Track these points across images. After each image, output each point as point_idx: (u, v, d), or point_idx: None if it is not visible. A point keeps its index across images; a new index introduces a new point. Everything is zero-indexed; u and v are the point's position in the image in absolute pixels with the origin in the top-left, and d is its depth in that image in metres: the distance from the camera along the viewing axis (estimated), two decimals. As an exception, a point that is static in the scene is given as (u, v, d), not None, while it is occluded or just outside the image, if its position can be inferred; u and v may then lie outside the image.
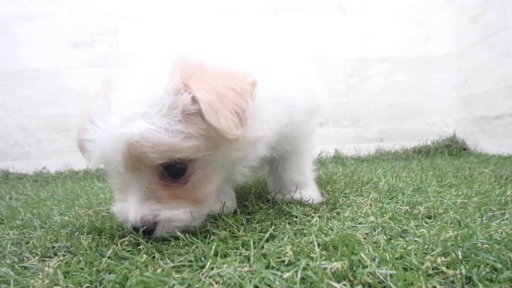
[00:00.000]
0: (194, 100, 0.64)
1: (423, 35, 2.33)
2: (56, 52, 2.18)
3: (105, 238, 0.71)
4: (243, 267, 0.51)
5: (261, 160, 0.85)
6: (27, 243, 0.73)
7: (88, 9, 2.20)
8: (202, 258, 0.57)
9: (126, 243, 0.66)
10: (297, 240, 0.60)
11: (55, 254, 0.66)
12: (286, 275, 0.48)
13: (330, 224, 0.72)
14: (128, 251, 0.63)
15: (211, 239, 0.65)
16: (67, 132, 2.18)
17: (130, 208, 0.67)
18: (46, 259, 0.63)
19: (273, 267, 0.52)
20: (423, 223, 0.71)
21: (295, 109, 0.88)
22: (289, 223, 0.74)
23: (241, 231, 0.69)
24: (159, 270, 0.52)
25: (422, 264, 0.49)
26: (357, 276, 0.47)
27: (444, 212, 0.78)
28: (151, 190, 0.66)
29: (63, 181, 1.92)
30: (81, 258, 0.60)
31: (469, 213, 0.77)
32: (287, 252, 0.55)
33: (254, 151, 0.79)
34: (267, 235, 0.65)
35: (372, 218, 0.74)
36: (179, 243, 0.64)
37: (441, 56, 2.33)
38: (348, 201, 0.94)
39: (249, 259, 0.55)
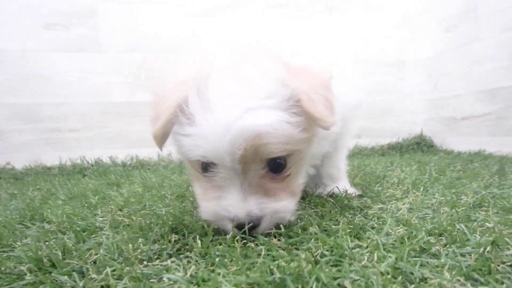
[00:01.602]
0: (294, 91, 0.63)
1: (400, 40, 2.49)
2: (25, 32, 1.95)
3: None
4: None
5: None
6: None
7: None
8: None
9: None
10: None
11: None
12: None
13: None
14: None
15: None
16: (36, 124, 1.96)
17: (233, 204, 0.63)
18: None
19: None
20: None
21: (345, 105, 0.90)
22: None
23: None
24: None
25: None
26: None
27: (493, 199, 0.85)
28: (257, 184, 0.65)
29: (34, 179, 1.74)
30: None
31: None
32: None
33: (322, 146, 0.81)
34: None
35: (446, 209, 0.79)
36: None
37: (415, 61, 2.50)
38: (389, 194, 0.99)
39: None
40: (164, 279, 0.49)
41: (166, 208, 0.90)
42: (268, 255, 0.56)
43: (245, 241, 0.62)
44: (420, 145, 2.36)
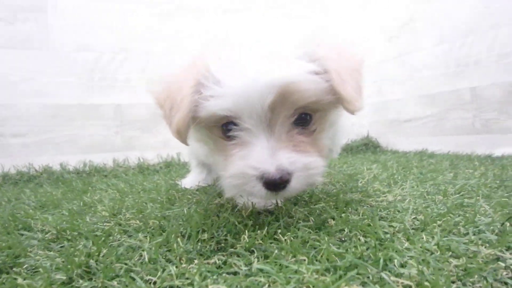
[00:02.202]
0: (324, 66, 0.65)
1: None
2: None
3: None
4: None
5: None
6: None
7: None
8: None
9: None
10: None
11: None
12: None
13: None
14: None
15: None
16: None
17: (261, 160, 0.59)
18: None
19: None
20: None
21: None
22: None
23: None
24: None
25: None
26: None
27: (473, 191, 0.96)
28: (285, 138, 0.63)
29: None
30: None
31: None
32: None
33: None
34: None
35: (439, 197, 0.87)
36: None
37: (360, 67, 2.68)
38: (374, 189, 1.06)
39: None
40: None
41: (170, 211, 0.87)
42: (310, 245, 0.58)
43: (288, 233, 0.62)
44: (368, 146, 2.54)
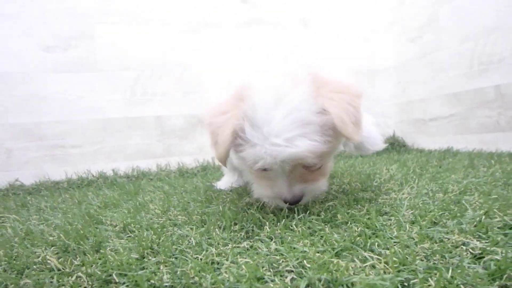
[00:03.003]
0: (327, 112, 0.82)
1: (370, 50, 2.76)
2: (25, 55, 2.02)
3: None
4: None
5: None
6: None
7: (61, 12, 2.10)
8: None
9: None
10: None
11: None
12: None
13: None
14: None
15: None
16: (41, 141, 2.03)
17: (283, 191, 0.89)
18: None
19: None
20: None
21: None
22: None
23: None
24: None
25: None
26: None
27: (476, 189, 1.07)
28: (298, 177, 0.89)
29: (51, 192, 1.81)
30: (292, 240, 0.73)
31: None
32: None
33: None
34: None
35: (440, 195, 0.99)
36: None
37: (384, 69, 2.77)
38: (387, 188, 1.19)
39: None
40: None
41: (209, 208, 1.05)
42: (321, 237, 0.73)
43: (301, 225, 0.79)
44: (394, 146, 2.62)
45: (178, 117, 2.30)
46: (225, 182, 1.52)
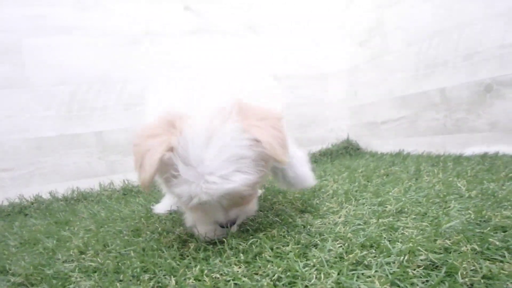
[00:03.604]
0: (256, 140, 0.82)
1: (320, 55, 2.72)
2: None
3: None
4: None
5: None
6: None
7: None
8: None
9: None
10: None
11: None
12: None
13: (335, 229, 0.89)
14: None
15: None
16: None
17: (219, 217, 0.90)
18: None
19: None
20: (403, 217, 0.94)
21: None
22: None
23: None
24: None
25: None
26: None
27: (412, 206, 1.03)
28: (231, 203, 0.89)
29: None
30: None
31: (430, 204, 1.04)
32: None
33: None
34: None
35: (373, 220, 0.94)
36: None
37: (335, 73, 2.75)
38: (326, 208, 1.14)
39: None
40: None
41: (129, 248, 0.96)
42: (236, 284, 0.66)
43: (212, 274, 0.71)
44: (348, 149, 2.61)
45: (120, 132, 2.16)
46: (164, 205, 1.43)
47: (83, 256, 0.95)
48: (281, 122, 0.89)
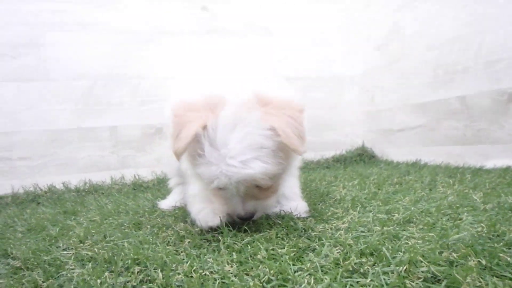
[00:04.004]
0: (274, 130, 0.85)
1: (336, 57, 2.68)
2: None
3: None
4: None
5: None
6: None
7: (9, 19, 1.99)
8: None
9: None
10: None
11: None
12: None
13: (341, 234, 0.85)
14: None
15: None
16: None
17: (238, 208, 0.93)
18: None
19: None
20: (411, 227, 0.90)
21: None
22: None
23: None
24: None
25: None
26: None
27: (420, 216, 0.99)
28: (251, 195, 0.93)
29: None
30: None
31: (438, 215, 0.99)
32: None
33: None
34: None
35: (378, 227, 0.90)
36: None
37: (351, 76, 2.70)
38: (330, 213, 1.10)
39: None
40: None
41: (126, 240, 0.95)
42: (223, 283, 0.64)
43: (201, 270, 0.69)
44: (363, 157, 2.55)
45: (134, 128, 2.19)
46: (169, 201, 1.44)
47: (81, 245, 0.95)
48: (301, 114, 0.91)
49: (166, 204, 1.43)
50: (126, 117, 2.17)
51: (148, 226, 1.09)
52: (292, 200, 1.15)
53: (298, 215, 1.08)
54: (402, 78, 2.34)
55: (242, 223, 0.95)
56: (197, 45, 2.31)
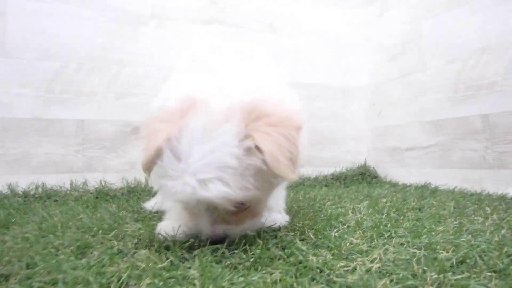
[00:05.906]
0: (258, 149, 0.72)
1: (343, 66, 2.43)
2: None
3: None
4: None
5: None
6: None
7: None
8: None
9: None
10: None
11: None
12: None
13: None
14: None
15: None
16: None
17: (204, 228, 0.80)
18: None
19: None
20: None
21: None
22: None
23: None
24: None
25: None
26: None
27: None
28: (221, 217, 0.80)
29: None
30: None
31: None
32: None
33: None
34: None
35: (433, 274, 0.61)
36: None
37: (359, 87, 2.45)
38: (350, 245, 0.81)
39: None
40: None
41: (50, 276, 0.63)
42: None
43: None
44: (365, 176, 2.28)
45: (106, 124, 1.85)
46: (153, 202, 1.35)
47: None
48: (298, 132, 0.78)
49: (150, 204, 1.36)
50: (98, 111, 1.83)
51: (96, 253, 0.77)
52: (273, 211, 1.03)
53: (278, 226, 0.98)
54: (416, 92, 2.10)
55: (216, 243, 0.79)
56: (196, 35, 2.03)
